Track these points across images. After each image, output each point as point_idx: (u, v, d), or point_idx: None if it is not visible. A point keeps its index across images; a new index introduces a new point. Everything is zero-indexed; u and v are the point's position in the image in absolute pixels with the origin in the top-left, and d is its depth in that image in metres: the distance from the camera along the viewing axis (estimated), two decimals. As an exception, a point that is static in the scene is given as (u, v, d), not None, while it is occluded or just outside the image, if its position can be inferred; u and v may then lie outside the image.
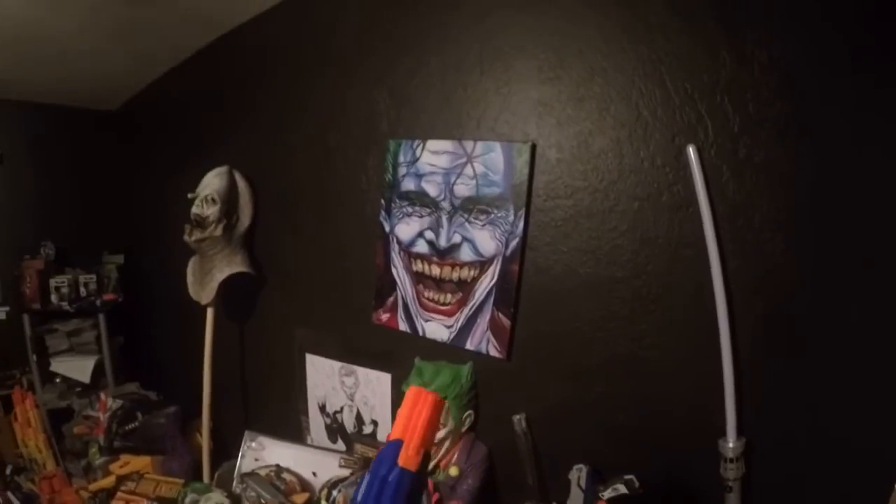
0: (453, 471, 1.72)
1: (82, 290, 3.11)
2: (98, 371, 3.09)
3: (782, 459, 1.42)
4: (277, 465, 2.00)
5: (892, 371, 1.27)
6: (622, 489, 1.45)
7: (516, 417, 1.70)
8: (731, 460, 1.39)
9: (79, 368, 3.08)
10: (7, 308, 3.05)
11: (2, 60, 2.51)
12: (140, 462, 2.31)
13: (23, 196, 3.13)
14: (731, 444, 1.39)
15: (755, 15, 1.41)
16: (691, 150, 1.44)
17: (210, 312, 2.39)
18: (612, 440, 1.63)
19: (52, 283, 3.02)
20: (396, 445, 0.88)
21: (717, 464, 1.42)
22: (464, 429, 1.78)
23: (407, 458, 0.86)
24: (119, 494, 1.99)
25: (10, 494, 2.42)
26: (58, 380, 3.07)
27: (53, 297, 3.02)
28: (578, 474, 1.56)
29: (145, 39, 2.49)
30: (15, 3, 2.03)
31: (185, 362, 2.64)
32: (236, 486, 1.92)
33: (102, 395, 2.72)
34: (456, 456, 1.75)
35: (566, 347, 1.70)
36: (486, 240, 1.78)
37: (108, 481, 2.25)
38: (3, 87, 2.83)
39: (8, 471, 2.62)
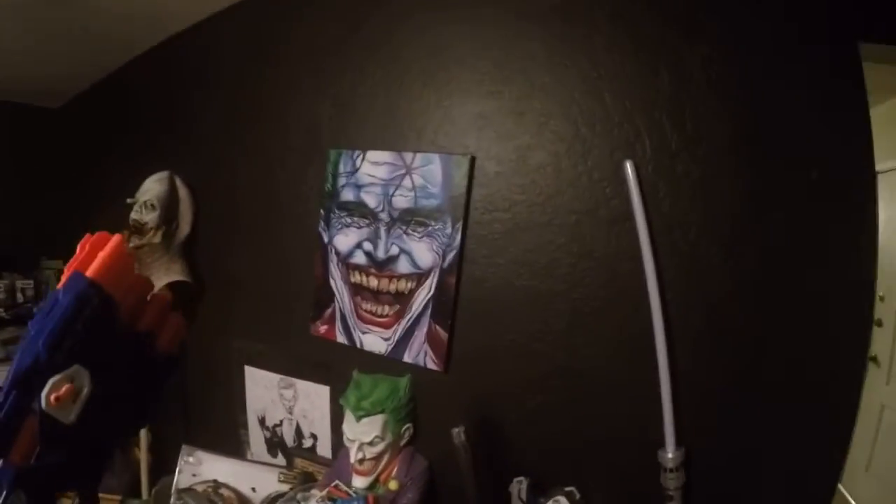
0: (393, 485, 1.69)
1: (19, 297, 3.00)
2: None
3: (721, 469, 1.44)
4: (215, 481, 1.93)
5: (825, 388, 1.31)
6: (563, 501, 1.46)
7: (455, 430, 1.64)
8: (671, 470, 1.40)
9: None
10: None
11: None
12: None
13: None
14: (670, 455, 1.41)
15: (696, 35, 1.45)
16: (629, 166, 1.47)
17: None
18: (551, 452, 1.63)
19: None
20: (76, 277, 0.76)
21: (657, 474, 1.44)
22: (403, 442, 1.76)
23: (60, 282, 0.76)
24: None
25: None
26: None
27: None
28: (519, 486, 1.55)
29: (79, 42, 2.43)
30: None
31: None
32: (174, 503, 1.86)
33: None
34: (396, 469, 1.72)
35: (504, 360, 1.70)
36: (423, 252, 1.77)
37: None
38: None
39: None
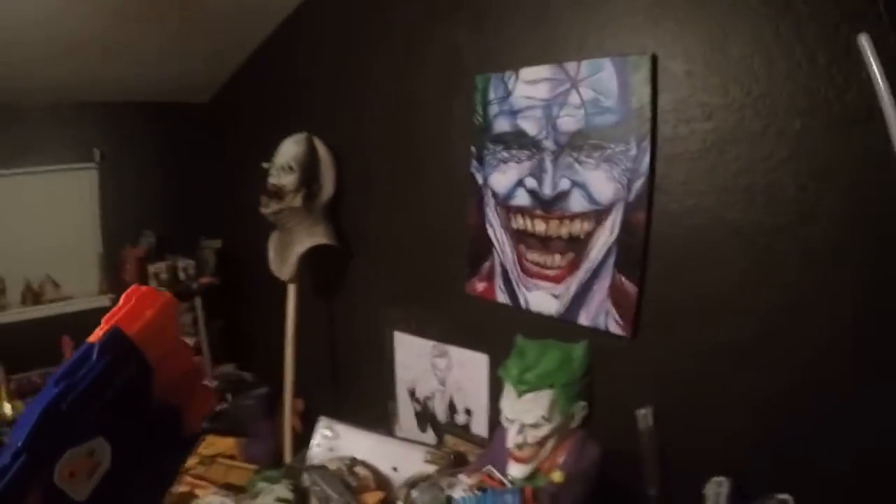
0: (557, 476, 1.49)
1: (181, 275, 3.24)
2: (197, 353, 3.16)
3: None
4: (352, 458, 1.85)
5: None
6: (777, 514, 1.22)
7: (642, 412, 1.48)
8: None
9: None
10: (111, 296, 3.19)
11: (89, 65, 2.70)
12: (225, 444, 2.27)
13: (124, 190, 3.31)
14: None
15: None
16: (864, 41, 1.10)
17: (292, 289, 2.33)
18: (764, 447, 1.33)
19: (151, 269, 3.17)
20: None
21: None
22: (573, 425, 1.55)
23: (94, 335, 0.72)
24: (185, 479, 1.94)
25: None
26: None
27: (153, 283, 3.14)
28: (717, 489, 1.34)
29: (213, 34, 2.63)
30: (101, 23, 2.28)
31: (278, 344, 2.65)
32: (305, 479, 1.76)
33: None
34: (561, 459, 1.52)
35: (709, 322, 1.41)
36: (601, 183, 1.51)
37: (191, 462, 2.22)
38: (97, 89, 3.02)
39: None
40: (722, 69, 1.34)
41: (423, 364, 2.06)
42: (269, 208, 2.22)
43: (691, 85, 1.38)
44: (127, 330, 0.70)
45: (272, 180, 2.23)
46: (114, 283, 3.17)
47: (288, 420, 2.36)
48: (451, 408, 2.00)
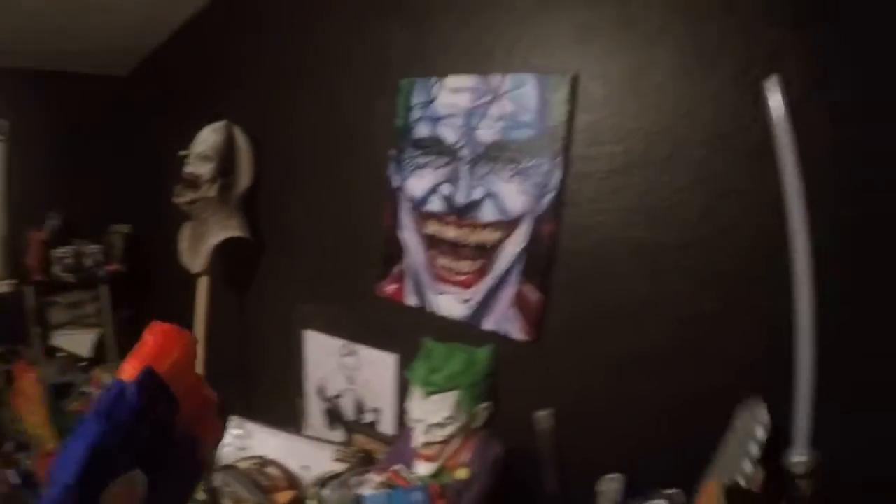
0: (462, 473, 1.52)
1: (87, 261, 3.06)
2: (101, 345, 3.07)
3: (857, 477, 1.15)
4: (262, 458, 1.82)
5: None
6: (665, 505, 1.29)
7: (541, 414, 1.53)
8: (802, 477, 1.12)
9: (78, 342, 3.05)
10: (12, 281, 2.98)
11: (8, 29, 2.51)
12: None
13: (32, 167, 3.08)
14: (800, 459, 1.11)
15: None
16: (771, 83, 1.18)
17: (203, 282, 2.26)
18: (656, 447, 1.40)
19: (55, 253, 2.99)
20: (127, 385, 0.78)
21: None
22: (477, 424, 1.58)
23: (122, 370, 0.79)
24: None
25: (10, 472, 2.34)
26: (60, 354, 3.03)
27: (57, 269, 2.99)
28: (611, 485, 1.39)
29: (137, 4, 2.46)
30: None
31: None
32: (216, 479, 1.71)
33: (96, 371, 2.67)
34: (465, 457, 1.55)
35: (609, 330, 1.47)
36: (513, 194, 1.55)
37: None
38: (10, 55, 2.80)
39: (9, 448, 2.55)
40: (638, 96, 1.40)
41: (333, 362, 2.04)
42: (183, 197, 2.15)
43: (608, 108, 1.44)
44: (158, 369, 0.77)
45: (188, 169, 2.16)
46: (15, 268, 2.95)
47: None
48: (360, 407, 2.00)
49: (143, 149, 3.19)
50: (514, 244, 1.55)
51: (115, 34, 2.76)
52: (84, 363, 2.98)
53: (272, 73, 2.31)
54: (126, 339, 3.03)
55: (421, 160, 1.73)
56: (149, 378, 0.76)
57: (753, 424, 1.13)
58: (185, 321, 2.47)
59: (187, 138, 2.37)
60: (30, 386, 2.68)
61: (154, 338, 0.80)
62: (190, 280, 2.40)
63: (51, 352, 3.01)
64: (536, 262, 1.52)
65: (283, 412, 2.19)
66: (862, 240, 1.16)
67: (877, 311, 1.15)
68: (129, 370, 0.76)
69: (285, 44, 2.24)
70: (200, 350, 2.23)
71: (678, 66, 1.35)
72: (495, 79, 1.56)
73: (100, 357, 3.02)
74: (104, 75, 3.24)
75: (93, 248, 3.07)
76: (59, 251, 2.99)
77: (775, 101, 1.17)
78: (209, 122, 2.34)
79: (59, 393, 2.76)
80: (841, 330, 1.13)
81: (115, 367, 2.76)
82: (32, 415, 2.63)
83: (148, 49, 3.02)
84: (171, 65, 2.95)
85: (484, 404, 1.58)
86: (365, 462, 1.78)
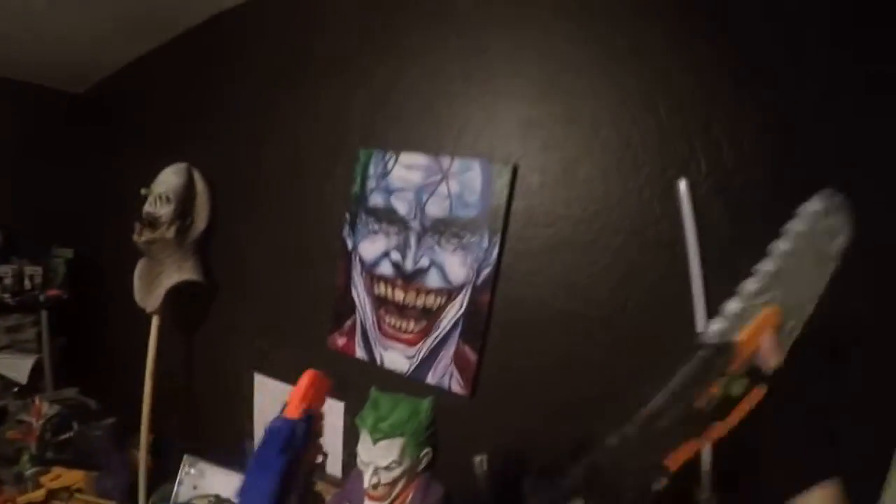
0: None
1: (27, 283, 2.93)
2: (37, 372, 2.90)
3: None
4: (217, 496, 1.88)
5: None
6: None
7: (477, 458, 1.61)
8: None
9: (15, 367, 2.89)
10: None
11: None
12: (73, 476, 2.16)
13: None
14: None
15: (757, 55, 1.36)
16: (682, 185, 1.38)
17: (155, 321, 2.23)
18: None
19: None
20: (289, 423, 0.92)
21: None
22: (420, 468, 1.67)
23: (288, 411, 0.92)
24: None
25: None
26: None
27: None
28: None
29: (105, 20, 2.36)
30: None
31: (129, 372, 2.46)
32: None
33: (37, 400, 2.54)
34: (410, 496, 1.64)
35: (536, 387, 1.60)
36: (456, 266, 1.67)
37: (38, 494, 2.11)
38: None
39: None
40: (569, 187, 1.54)
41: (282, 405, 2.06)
42: (142, 237, 2.14)
43: (542, 195, 1.57)
44: (316, 409, 0.94)
45: (148, 209, 2.15)
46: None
47: (143, 455, 2.25)
48: None
49: (93, 172, 3.06)
50: (455, 309, 1.66)
51: (75, 49, 2.63)
52: (16, 389, 2.82)
53: (235, 121, 2.29)
54: (61, 367, 2.93)
55: (374, 226, 1.81)
56: (310, 418, 0.90)
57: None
58: (127, 353, 2.44)
59: (139, 169, 2.33)
60: (-41, 410, 2.55)
61: (310, 381, 0.94)
62: (132, 311, 2.33)
63: (-20, 375, 2.82)
64: (474, 326, 1.64)
65: (232, 451, 2.17)
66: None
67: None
68: (293, 410, 0.90)
69: (253, 95, 2.25)
70: (148, 389, 2.25)
71: (607, 163, 1.50)
72: (445, 160, 1.68)
73: (32, 384, 2.84)
74: (58, 90, 3.09)
75: (34, 270, 2.92)
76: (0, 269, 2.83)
77: (684, 199, 1.37)
78: (162, 156, 2.32)
79: (-6, 420, 2.65)
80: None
81: (53, 396, 2.73)
82: (-40, 440, 2.52)
83: (108, 70, 2.91)
84: (131, 90, 2.86)
85: (427, 449, 1.65)
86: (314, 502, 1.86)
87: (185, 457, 1.98)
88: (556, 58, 1.59)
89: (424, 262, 1.72)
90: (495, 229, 1.59)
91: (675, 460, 0.63)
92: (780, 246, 0.66)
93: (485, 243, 1.61)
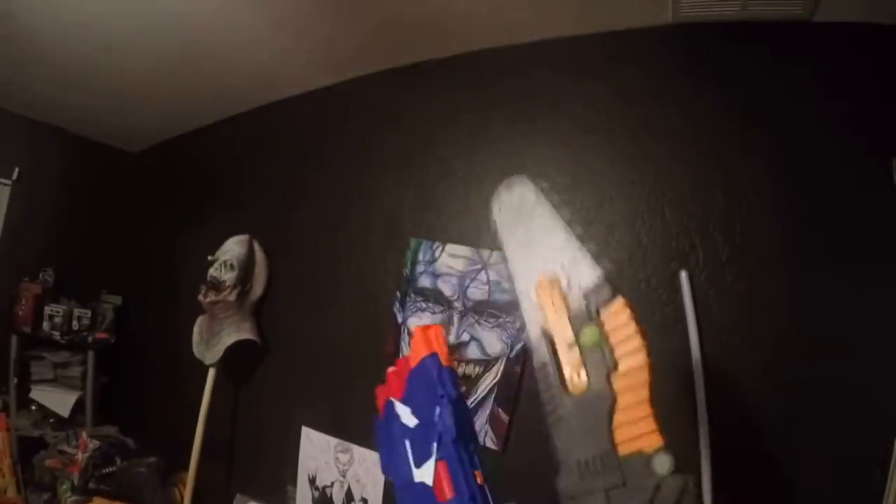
0: None
1: (75, 324, 3.13)
2: (77, 407, 3.07)
3: None
4: None
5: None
6: None
7: None
8: None
9: (59, 401, 3.05)
10: None
11: (39, 81, 2.60)
12: None
13: (33, 217, 3.14)
14: None
15: (749, 154, 1.63)
16: (683, 275, 1.62)
17: (212, 373, 2.44)
18: None
19: (47, 310, 3.05)
20: (434, 357, 0.91)
21: None
22: None
23: (412, 361, 0.92)
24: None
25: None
26: (33, 407, 3.04)
27: (46, 325, 3.04)
28: None
29: (178, 89, 2.58)
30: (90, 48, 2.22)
31: (172, 415, 2.65)
32: None
33: (84, 434, 2.71)
34: None
35: None
36: (493, 341, 1.92)
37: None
38: (33, 106, 2.89)
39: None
40: None
41: (327, 457, 2.21)
42: (206, 298, 2.37)
43: None
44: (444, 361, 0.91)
45: (213, 273, 2.39)
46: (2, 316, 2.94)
47: (188, 494, 2.40)
48: (349, 496, 2.16)
49: (142, 225, 3.28)
50: (491, 378, 1.89)
51: (141, 114, 2.85)
52: (52, 421, 2.99)
53: (293, 196, 2.52)
54: (100, 406, 3.09)
55: (422, 304, 2.07)
56: (452, 372, 0.89)
57: None
58: (169, 398, 2.63)
59: (189, 226, 2.55)
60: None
61: (423, 333, 0.92)
62: (176, 360, 2.51)
63: (25, 404, 3.00)
64: (507, 393, 1.85)
65: (273, 494, 2.33)
66: (748, 393, 1.52)
67: (768, 443, 1.47)
68: (415, 357, 0.90)
69: (311, 175, 2.47)
70: (199, 434, 2.39)
71: (620, 257, 1.74)
72: (485, 252, 1.96)
73: (71, 417, 3.01)
74: (116, 147, 3.34)
75: (83, 312, 3.13)
76: (51, 308, 3.04)
77: (685, 288, 1.60)
78: (219, 222, 2.53)
79: (28, 445, 2.82)
80: (735, 457, 1.46)
81: (94, 432, 2.83)
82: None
83: (166, 135, 3.17)
84: (186, 156, 3.08)
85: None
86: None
87: (238, 495, 2.16)
88: (580, 166, 1.87)
89: (465, 336, 1.97)
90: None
91: None
92: None
93: (518, 323, 1.84)
